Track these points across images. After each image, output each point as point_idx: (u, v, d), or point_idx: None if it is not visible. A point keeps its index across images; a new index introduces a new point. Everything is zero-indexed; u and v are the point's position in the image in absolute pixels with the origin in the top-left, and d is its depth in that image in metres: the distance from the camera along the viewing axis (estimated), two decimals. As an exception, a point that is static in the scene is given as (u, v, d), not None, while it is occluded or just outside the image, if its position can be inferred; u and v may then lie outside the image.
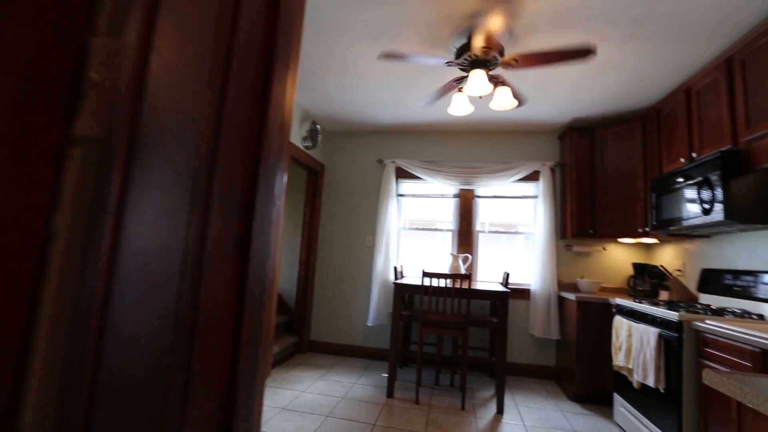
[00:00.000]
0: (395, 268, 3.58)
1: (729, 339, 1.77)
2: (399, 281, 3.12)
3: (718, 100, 2.32)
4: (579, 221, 3.48)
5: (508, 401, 3.02)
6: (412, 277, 3.81)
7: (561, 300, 3.57)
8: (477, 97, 3.08)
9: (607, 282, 3.71)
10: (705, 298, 2.66)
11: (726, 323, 1.90)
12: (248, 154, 0.44)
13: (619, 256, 3.72)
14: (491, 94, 3.09)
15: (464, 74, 2.35)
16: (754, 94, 2.06)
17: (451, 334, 2.87)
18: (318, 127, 3.96)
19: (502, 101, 2.39)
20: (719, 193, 2.17)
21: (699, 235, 2.82)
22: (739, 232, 2.49)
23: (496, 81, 2.42)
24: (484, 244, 4.07)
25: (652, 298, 3.25)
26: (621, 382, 2.68)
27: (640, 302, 2.56)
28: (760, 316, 2.09)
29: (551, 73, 2.76)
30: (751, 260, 2.43)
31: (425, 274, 2.89)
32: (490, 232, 4.07)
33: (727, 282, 2.48)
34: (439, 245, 4.21)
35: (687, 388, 2.02)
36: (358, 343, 4.09)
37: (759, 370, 1.59)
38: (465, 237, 4.05)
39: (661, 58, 2.47)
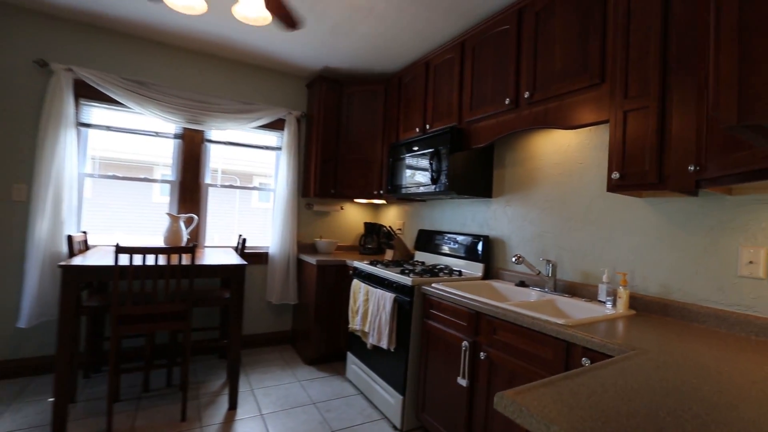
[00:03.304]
0: (70, 238, 2.33)
1: (450, 302, 1.96)
2: (74, 262, 2.00)
3: (451, 79, 2.51)
4: (322, 179, 3.31)
5: (243, 386, 2.61)
6: (106, 252, 2.64)
7: (300, 263, 3.39)
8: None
9: (342, 241, 3.82)
10: (420, 255, 3.05)
11: (446, 285, 2.11)
12: None
13: (353, 216, 3.88)
14: None
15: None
16: (479, 80, 2.29)
17: (167, 329, 2.11)
18: None
19: (250, 8, 1.71)
20: (445, 165, 2.39)
21: (418, 199, 3.17)
22: (450, 199, 2.92)
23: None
24: (215, 201, 3.32)
25: (378, 255, 3.56)
26: (354, 341, 2.76)
27: (376, 266, 2.63)
28: (459, 272, 2.51)
29: (309, 6, 2.27)
30: (451, 223, 2.91)
31: (120, 251, 1.93)
32: (224, 186, 3.35)
33: (436, 241, 2.89)
34: (154, 201, 3.13)
35: (413, 345, 2.19)
36: (1, 358, 2.57)
37: (472, 327, 1.81)
38: (190, 191, 3.16)
39: (413, 22, 2.43)
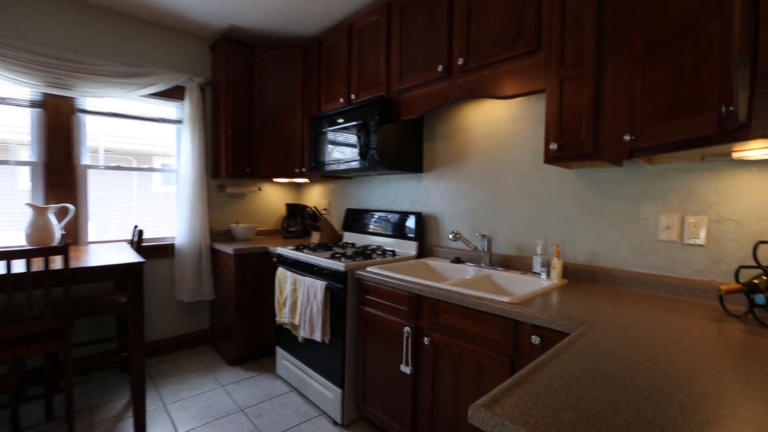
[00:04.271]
0: None
1: (389, 286, 1.83)
2: None
3: (378, 44, 2.30)
4: (235, 157, 2.91)
5: (153, 403, 2.23)
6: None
7: (214, 253, 2.99)
8: None
9: (263, 225, 3.46)
10: (349, 236, 2.87)
11: (382, 268, 1.98)
12: None
13: (273, 197, 3.53)
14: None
15: None
16: (408, 46, 2.12)
17: (36, 353, 1.65)
18: None
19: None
20: (374, 138, 2.20)
21: (344, 176, 2.96)
22: (378, 175, 2.76)
23: None
24: (102, 186, 2.73)
25: (304, 238, 3.30)
26: (283, 334, 2.52)
27: (303, 251, 2.40)
28: (393, 253, 2.39)
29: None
30: (381, 201, 2.77)
31: (-45, 260, 1.42)
32: (108, 168, 2.76)
33: (366, 221, 2.73)
34: (21, 188, 2.45)
35: (350, 335, 2.03)
36: None
37: (413, 311, 1.70)
38: (61, 175, 2.53)
39: (333, -23, 2.15)
